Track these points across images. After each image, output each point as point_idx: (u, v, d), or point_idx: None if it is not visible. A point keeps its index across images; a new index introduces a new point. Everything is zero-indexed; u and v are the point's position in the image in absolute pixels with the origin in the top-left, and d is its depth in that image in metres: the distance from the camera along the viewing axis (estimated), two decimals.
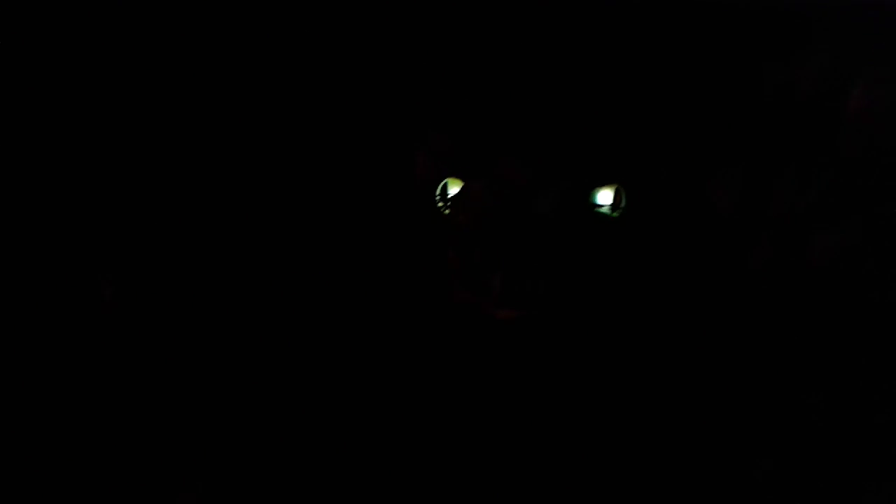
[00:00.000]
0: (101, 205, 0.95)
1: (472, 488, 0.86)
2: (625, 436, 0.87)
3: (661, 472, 0.86)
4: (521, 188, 0.82)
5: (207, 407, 0.91)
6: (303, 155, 0.94)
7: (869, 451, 0.87)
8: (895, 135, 0.89)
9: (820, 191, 0.90)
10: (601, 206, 0.85)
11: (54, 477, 0.90)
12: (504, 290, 0.82)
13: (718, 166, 0.91)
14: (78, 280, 0.94)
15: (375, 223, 0.92)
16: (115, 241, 0.94)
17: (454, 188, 0.86)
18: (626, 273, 0.86)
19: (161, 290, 0.94)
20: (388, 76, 0.92)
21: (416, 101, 0.91)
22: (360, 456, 0.88)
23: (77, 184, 0.95)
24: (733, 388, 0.89)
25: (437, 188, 0.87)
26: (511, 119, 0.86)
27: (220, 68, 0.94)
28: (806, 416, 0.88)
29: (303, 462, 0.89)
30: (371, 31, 0.92)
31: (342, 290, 0.92)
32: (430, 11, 0.92)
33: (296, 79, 0.93)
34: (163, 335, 0.93)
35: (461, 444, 0.87)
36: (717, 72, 0.91)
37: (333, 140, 0.93)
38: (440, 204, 0.87)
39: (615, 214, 0.85)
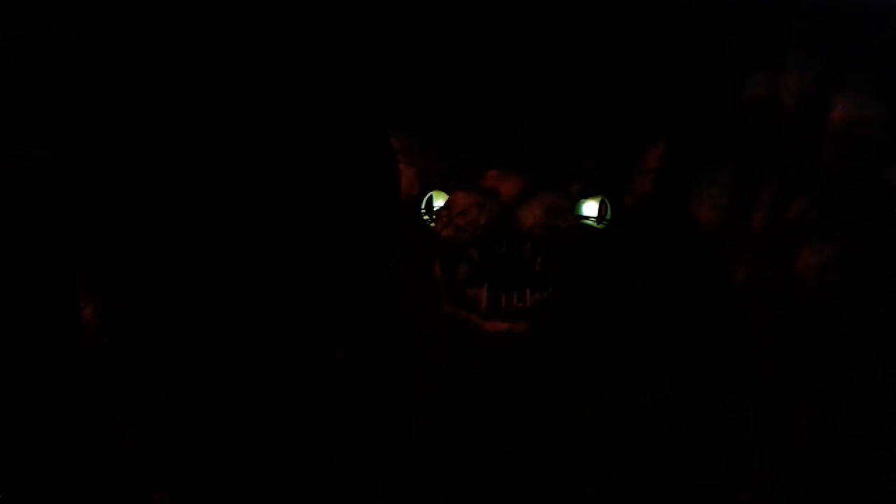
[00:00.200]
0: (82, 225, 0.94)
1: (463, 499, 0.85)
2: (613, 447, 0.86)
3: (651, 487, 0.86)
4: (506, 200, 0.82)
5: (190, 424, 0.91)
6: (287, 168, 0.94)
7: (856, 464, 0.87)
8: (879, 146, 0.90)
9: (804, 204, 0.90)
10: (587, 217, 0.85)
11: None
12: (491, 303, 0.82)
13: (702, 179, 0.91)
14: (58, 300, 0.93)
15: (360, 236, 0.92)
16: (96, 260, 0.94)
17: (439, 201, 0.86)
18: (613, 284, 0.86)
19: (141, 309, 0.93)
20: (373, 89, 0.92)
21: (402, 114, 0.91)
22: (348, 469, 0.88)
23: (57, 204, 0.94)
24: (720, 399, 0.89)
25: (422, 201, 0.87)
26: (496, 131, 0.86)
27: (199, 101, 0.94)
28: (791, 428, 0.88)
29: (291, 476, 0.89)
30: (357, 46, 0.93)
31: (328, 303, 0.92)
32: (416, 27, 0.92)
33: (279, 94, 0.93)
34: (144, 355, 0.92)
35: (451, 455, 0.86)
36: (700, 84, 0.92)
37: (318, 153, 0.93)
38: (425, 217, 0.86)
39: (601, 226, 0.85)
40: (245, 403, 0.91)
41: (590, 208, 0.85)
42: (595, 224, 0.85)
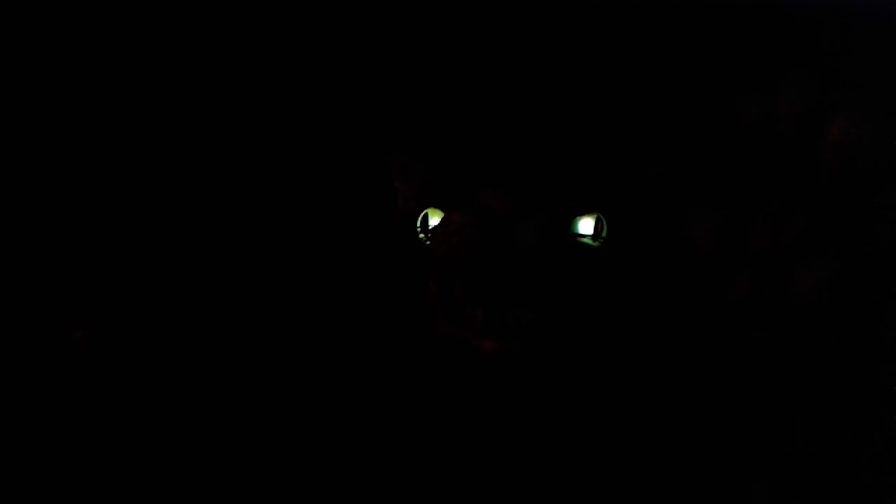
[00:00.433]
0: (73, 246, 0.94)
1: None
2: (608, 464, 0.85)
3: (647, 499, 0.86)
4: (501, 218, 0.82)
5: (179, 443, 0.90)
6: (283, 185, 0.93)
7: (850, 479, 0.86)
8: (875, 166, 0.90)
9: (800, 224, 0.90)
10: (582, 235, 0.84)
11: None
12: (487, 322, 0.81)
13: (697, 199, 0.91)
14: (50, 322, 0.93)
15: (356, 253, 0.91)
16: (87, 283, 0.93)
17: (435, 219, 0.86)
18: (608, 303, 0.85)
19: (132, 331, 0.92)
20: (369, 107, 0.92)
21: (397, 132, 0.90)
22: (343, 485, 0.87)
23: (46, 225, 0.94)
24: (715, 419, 0.88)
25: (417, 219, 0.86)
26: (491, 150, 0.86)
27: (184, 119, 0.94)
28: (788, 448, 0.87)
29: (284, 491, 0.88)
30: (351, 63, 0.93)
31: (323, 321, 0.91)
32: (410, 46, 0.92)
33: (274, 111, 0.93)
34: (133, 376, 0.92)
35: (446, 473, 0.85)
36: (695, 104, 0.92)
37: (314, 171, 0.93)
38: (421, 235, 0.86)
39: (596, 244, 0.85)
40: (240, 409, 0.90)
41: (585, 226, 0.85)
42: (591, 242, 0.85)
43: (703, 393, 0.88)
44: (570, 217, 0.84)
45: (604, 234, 0.85)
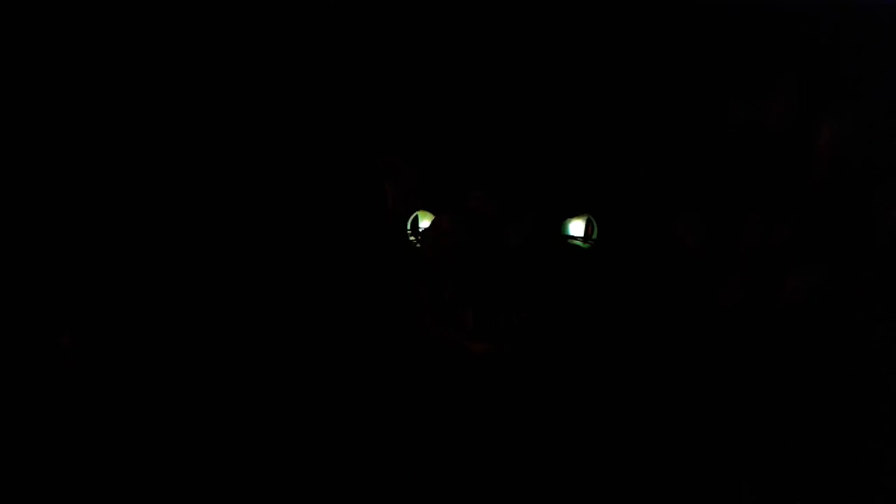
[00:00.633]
0: (60, 250, 0.93)
1: None
2: (599, 466, 0.85)
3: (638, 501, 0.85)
4: (491, 221, 0.82)
5: (168, 447, 0.89)
6: (271, 188, 0.93)
7: (841, 484, 0.86)
8: (865, 170, 0.90)
9: (791, 227, 0.90)
10: (573, 237, 0.84)
11: None
12: (477, 324, 0.81)
13: (688, 202, 0.91)
14: (36, 329, 0.92)
15: (346, 256, 0.91)
16: (73, 289, 0.93)
17: (425, 221, 0.85)
18: (599, 305, 0.85)
19: (118, 337, 0.92)
20: (359, 109, 0.92)
21: (387, 134, 0.90)
22: (334, 486, 0.87)
23: (33, 229, 0.94)
24: (706, 422, 0.88)
25: (407, 222, 0.86)
26: (480, 152, 0.85)
27: (175, 121, 0.94)
28: (779, 451, 0.87)
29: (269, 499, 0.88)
30: (341, 65, 0.93)
31: (313, 323, 0.91)
32: (398, 48, 0.92)
33: (264, 113, 0.93)
34: (120, 383, 0.91)
35: (437, 475, 0.85)
36: (685, 108, 0.92)
37: (303, 171, 0.93)
38: (411, 237, 0.86)
39: (587, 246, 0.84)
40: (230, 411, 0.90)
41: (576, 228, 0.84)
42: (581, 244, 0.84)
43: (695, 395, 0.88)
44: (561, 219, 0.84)
45: (594, 236, 0.85)
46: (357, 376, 0.89)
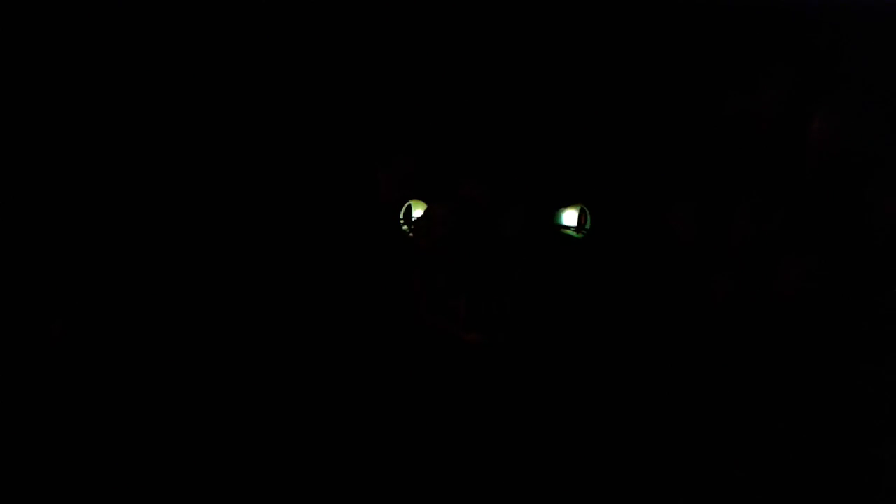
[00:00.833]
0: (50, 242, 0.93)
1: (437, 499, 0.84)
2: (591, 453, 0.85)
3: (628, 498, 0.85)
4: (485, 210, 0.82)
5: (158, 435, 0.89)
6: (265, 177, 0.93)
7: (835, 474, 0.86)
8: (857, 159, 0.90)
9: (783, 219, 0.90)
10: (566, 226, 0.84)
11: None
12: (470, 313, 0.81)
13: (680, 192, 0.91)
14: (27, 316, 0.92)
15: (338, 244, 0.91)
16: (64, 278, 0.93)
17: (418, 211, 0.85)
18: (592, 294, 0.85)
19: (109, 325, 0.92)
20: (351, 99, 0.92)
21: (381, 124, 0.90)
22: (328, 479, 0.87)
23: (25, 219, 0.93)
24: (699, 411, 0.88)
25: (400, 211, 0.86)
26: (474, 142, 0.85)
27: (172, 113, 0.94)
28: (772, 441, 0.87)
29: (266, 487, 0.87)
30: (336, 57, 0.92)
31: (306, 312, 0.91)
32: (393, 38, 0.92)
33: (256, 104, 0.93)
34: (111, 370, 0.91)
35: (430, 462, 0.85)
36: (678, 99, 0.92)
37: (297, 161, 0.93)
38: (404, 226, 0.86)
39: (580, 235, 0.84)
40: (204, 427, 0.90)
41: (569, 217, 0.84)
42: (574, 233, 0.84)
43: (687, 384, 0.88)
44: (554, 208, 0.84)
45: (587, 225, 0.85)
46: (350, 365, 0.89)
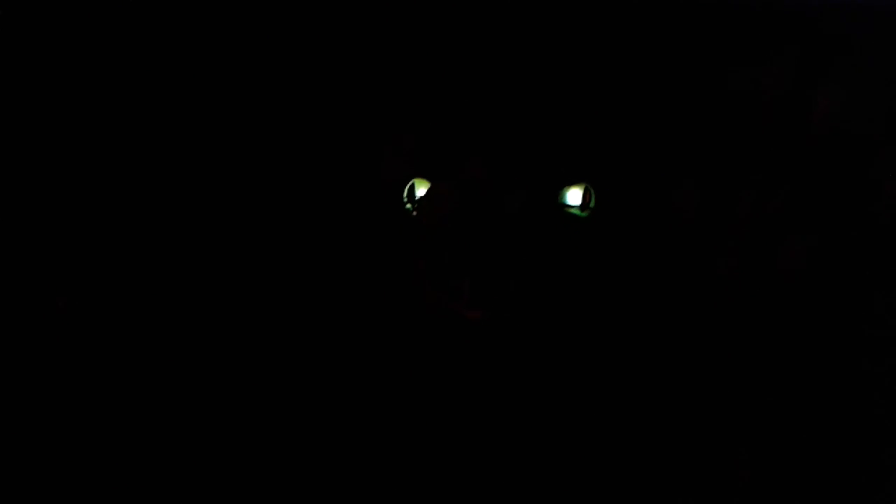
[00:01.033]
0: (55, 215, 0.93)
1: (444, 488, 0.84)
2: (595, 436, 0.86)
3: (632, 476, 0.86)
4: (489, 188, 0.81)
5: (163, 412, 0.89)
6: (266, 155, 0.92)
7: (842, 455, 0.87)
8: (862, 137, 0.90)
9: (788, 195, 0.90)
10: (570, 205, 0.84)
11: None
12: (474, 292, 0.81)
13: (685, 170, 0.91)
14: (32, 290, 0.92)
15: (341, 224, 0.91)
16: (69, 251, 0.93)
17: (421, 189, 0.85)
18: (596, 274, 0.85)
19: (114, 299, 0.92)
20: (355, 76, 0.91)
21: (383, 101, 0.90)
22: (328, 458, 0.87)
23: (29, 193, 0.93)
24: (703, 391, 0.88)
25: (404, 189, 0.86)
26: (478, 119, 0.85)
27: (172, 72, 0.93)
28: (778, 421, 0.88)
29: (266, 466, 0.88)
30: (339, 33, 0.92)
31: (309, 292, 0.91)
32: (396, 15, 0.91)
33: (259, 79, 0.92)
34: (116, 344, 0.91)
35: (432, 445, 0.85)
36: (683, 75, 0.91)
37: (298, 140, 0.92)
38: (407, 205, 0.85)
39: (584, 214, 0.84)
40: (207, 404, 0.90)
41: (573, 196, 0.84)
42: (578, 212, 0.84)
43: (691, 366, 0.88)
44: (558, 187, 0.84)
45: (592, 204, 0.84)
46: (353, 346, 0.89)
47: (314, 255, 0.91)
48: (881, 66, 0.91)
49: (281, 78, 0.92)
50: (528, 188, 0.82)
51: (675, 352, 0.89)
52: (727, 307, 0.89)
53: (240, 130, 0.93)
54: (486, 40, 0.89)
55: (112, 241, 0.93)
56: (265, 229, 0.92)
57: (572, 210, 0.84)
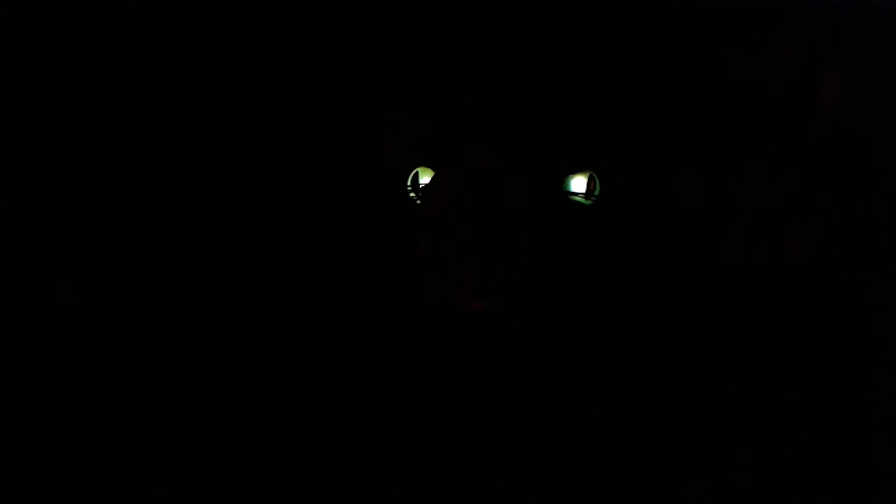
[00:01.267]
0: (56, 206, 0.93)
1: (445, 477, 0.85)
2: (596, 426, 0.86)
3: (633, 468, 0.86)
4: (492, 177, 0.81)
5: (161, 403, 0.89)
6: (270, 144, 0.92)
7: (846, 447, 0.87)
8: (868, 123, 0.89)
9: (793, 181, 0.90)
10: (574, 193, 0.84)
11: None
12: (477, 281, 0.81)
13: (689, 157, 0.91)
14: (33, 280, 0.92)
15: (345, 213, 0.91)
16: (70, 242, 0.93)
17: (425, 178, 0.85)
18: (600, 262, 0.85)
19: (116, 289, 0.92)
20: (359, 66, 0.91)
21: (387, 91, 0.89)
22: (329, 448, 0.87)
23: (32, 185, 0.93)
24: (707, 380, 0.88)
25: (407, 178, 0.86)
26: (482, 108, 0.85)
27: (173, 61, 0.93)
28: (781, 410, 0.88)
29: (265, 457, 0.88)
30: (343, 23, 0.91)
31: (312, 281, 0.91)
32: (400, 5, 0.91)
33: (263, 69, 0.92)
34: (117, 334, 0.91)
35: (433, 434, 0.85)
36: (688, 62, 0.91)
37: (303, 130, 0.92)
38: (411, 194, 0.85)
39: (589, 202, 0.84)
40: (205, 394, 0.90)
41: (578, 184, 0.84)
42: (583, 200, 0.84)
43: (696, 352, 0.88)
44: (562, 175, 0.83)
45: (596, 192, 0.84)
46: (355, 335, 0.89)
47: (318, 244, 0.91)
48: (885, 54, 0.90)
49: (286, 69, 0.92)
50: (531, 177, 0.82)
51: (678, 341, 0.88)
52: (731, 295, 0.89)
53: (245, 120, 0.92)
54: (489, 29, 0.89)
55: (112, 230, 0.92)
56: (268, 219, 0.92)
57: (576, 198, 0.84)
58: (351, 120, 0.91)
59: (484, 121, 0.84)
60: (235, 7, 0.92)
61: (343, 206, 0.91)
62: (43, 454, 0.89)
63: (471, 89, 0.86)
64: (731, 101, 0.91)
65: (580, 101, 0.86)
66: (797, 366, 0.88)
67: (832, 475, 0.86)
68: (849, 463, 0.86)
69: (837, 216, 0.89)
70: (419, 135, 0.86)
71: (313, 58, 0.92)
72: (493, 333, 0.84)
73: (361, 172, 0.90)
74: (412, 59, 0.89)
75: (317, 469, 0.87)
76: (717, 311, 0.90)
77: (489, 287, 0.81)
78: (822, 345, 0.88)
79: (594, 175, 0.84)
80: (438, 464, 0.85)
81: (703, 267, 0.90)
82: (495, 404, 0.85)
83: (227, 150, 0.92)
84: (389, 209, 0.87)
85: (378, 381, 0.87)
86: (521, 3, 0.89)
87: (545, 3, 0.89)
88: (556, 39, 0.89)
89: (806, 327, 0.89)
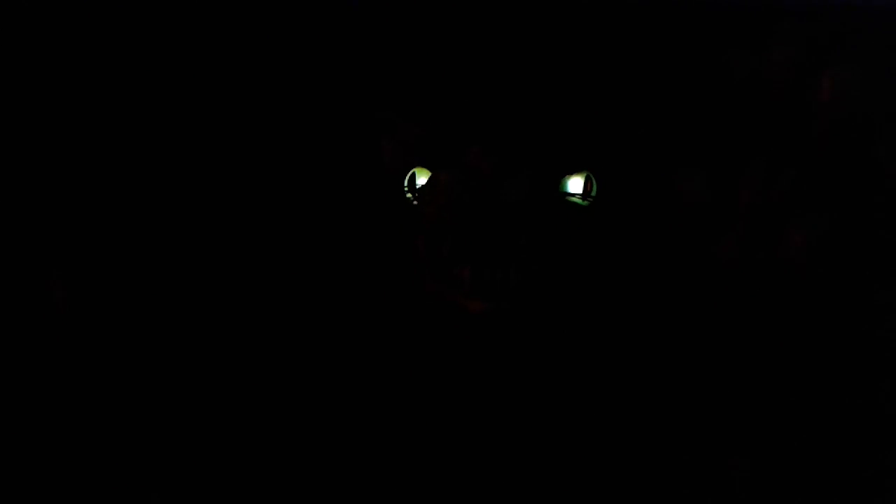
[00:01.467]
0: (53, 206, 0.93)
1: (445, 477, 0.85)
2: (595, 427, 0.86)
3: (632, 468, 0.86)
4: (489, 177, 0.81)
5: (157, 404, 0.90)
6: (267, 144, 0.92)
7: (843, 446, 0.87)
8: (866, 121, 0.89)
9: (791, 180, 0.89)
10: (571, 194, 0.84)
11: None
12: (475, 282, 0.81)
13: (687, 156, 0.91)
14: (29, 281, 0.92)
15: (343, 212, 0.91)
16: (66, 242, 0.93)
17: (422, 178, 0.85)
18: (598, 262, 0.85)
19: (112, 289, 0.92)
20: (356, 65, 0.91)
21: (385, 91, 0.89)
22: (328, 447, 0.87)
23: (28, 185, 0.93)
24: (707, 380, 0.88)
25: (404, 178, 0.86)
26: (479, 108, 0.85)
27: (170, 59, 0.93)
28: (779, 410, 0.88)
29: (264, 456, 0.88)
30: (341, 22, 0.91)
31: (309, 281, 0.91)
32: (398, 5, 0.91)
33: (262, 69, 0.92)
34: (114, 335, 0.91)
35: (433, 434, 0.85)
36: (686, 60, 0.91)
37: (300, 130, 0.92)
38: (408, 194, 0.85)
39: (586, 203, 0.84)
40: (201, 394, 0.90)
41: (575, 184, 0.84)
42: (580, 201, 0.84)
43: (694, 352, 0.88)
44: (559, 176, 0.83)
45: (593, 192, 0.84)
46: (353, 336, 0.89)
47: (316, 244, 0.91)
48: (884, 53, 0.90)
49: (283, 68, 0.92)
50: (529, 177, 0.82)
51: (678, 340, 0.88)
52: (730, 295, 0.89)
53: (243, 120, 0.92)
54: (486, 29, 0.89)
55: (112, 230, 0.93)
56: (266, 219, 0.92)
57: (574, 199, 0.84)
58: (348, 120, 0.91)
59: (481, 121, 0.84)
60: (235, 7, 0.93)
61: (340, 205, 0.91)
62: (43, 454, 0.89)
63: (468, 89, 0.86)
64: (730, 101, 0.91)
65: (578, 100, 0.86)
66: (797, 365, 0.88)
67: (833, 475, 0.86)
68: (849, 463, 0.86)
69: (836, 215, 0.89)
70: (416, 135, 0.86)
71: (312, 58, 0.92)
72: (490, 334, 0.84)
73: (359, 172, 0.90)
74: (410, 59, 0.89)
75: (316, 469, 0.87)
76: (717, 312, 0.89)
77: (486, 287, 0.81)
78: (822, 343, 0.88)
79: (591, 175, 0.84)
80: (438, 464, 0.85)
81: (702, 267, 0.90)
82: (494, 404, 0.85)
83: (225, 149, 0.92)
84: (387, 209, 0.87)
85: (376, 381, 0.88)
86: (518, 3, 0.89)
87: (543, 2, 0.90)
88: (554, 39, 0.89)
89: (805, 326, 0.89)
